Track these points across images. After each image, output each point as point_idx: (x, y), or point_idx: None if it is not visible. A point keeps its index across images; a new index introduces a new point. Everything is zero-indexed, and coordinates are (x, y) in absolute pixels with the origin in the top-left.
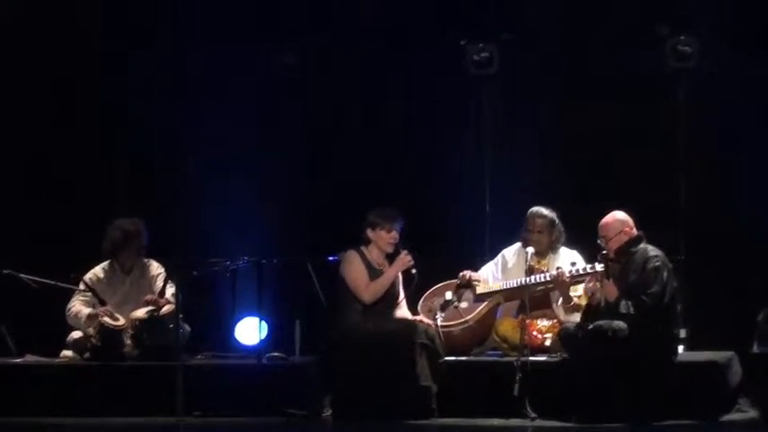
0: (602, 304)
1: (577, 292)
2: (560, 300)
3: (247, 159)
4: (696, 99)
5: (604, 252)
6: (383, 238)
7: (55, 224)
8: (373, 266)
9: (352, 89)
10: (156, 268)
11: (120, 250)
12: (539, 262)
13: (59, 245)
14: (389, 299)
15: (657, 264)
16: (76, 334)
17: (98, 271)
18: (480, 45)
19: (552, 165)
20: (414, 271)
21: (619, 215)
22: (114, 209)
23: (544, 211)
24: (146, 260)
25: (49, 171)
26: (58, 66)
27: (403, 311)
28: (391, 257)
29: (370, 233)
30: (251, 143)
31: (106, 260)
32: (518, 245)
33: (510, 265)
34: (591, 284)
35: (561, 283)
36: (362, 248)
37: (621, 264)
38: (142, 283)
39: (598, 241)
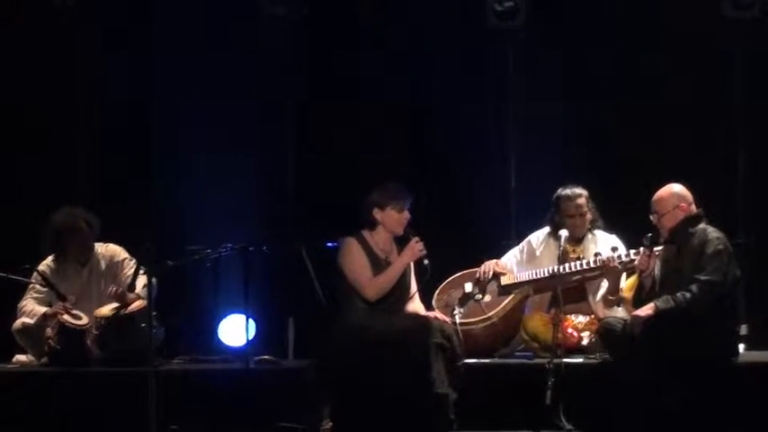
0: (657, 289)
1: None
2: (599, 292)
3: (231, 130)
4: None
5: (650, 234)
6: (394, 218)
7: (6, 209)
8: (377, 255)
9: (353, 50)
10: (120, 253)
11: (61, 251)
12: (573, 249)
13: (11, 232)
14: (399, 293)
15: (719, 248)
16: (27, 320)
17: (50, 261)
18: None
19: (588, 133)
20: (426, 262)
21: (675, 188)
22: (76, 190)
23: (578, 189)
24: (103, 245)
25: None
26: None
27: (415, 306)
28: (399, 243)
29: (377, 214)
30: (235, 113)
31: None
32: (546, 230)
33: (538, 252)
34: (643, 262)
35: (611, 270)
36: (364, 233)
37: (675, 247)
38: (104, 272)
39: (651, 217)
